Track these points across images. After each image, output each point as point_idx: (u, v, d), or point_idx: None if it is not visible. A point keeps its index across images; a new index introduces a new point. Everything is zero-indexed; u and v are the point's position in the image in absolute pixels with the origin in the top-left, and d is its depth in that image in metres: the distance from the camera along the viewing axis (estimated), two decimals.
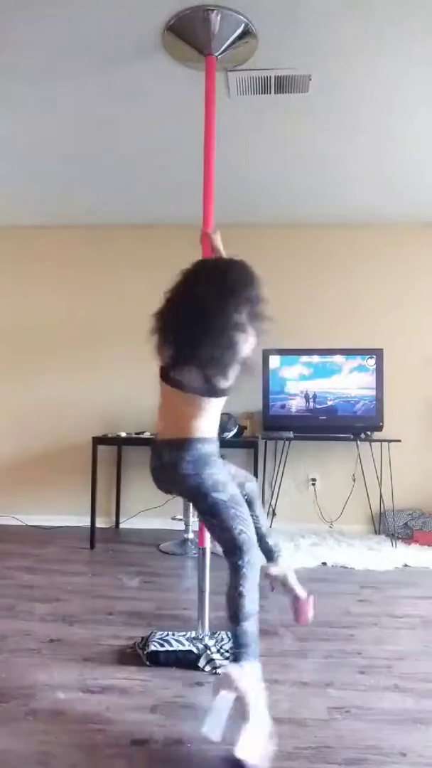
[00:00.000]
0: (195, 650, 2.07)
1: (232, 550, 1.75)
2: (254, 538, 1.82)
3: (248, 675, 1.58)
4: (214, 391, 1.82)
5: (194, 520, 3.77)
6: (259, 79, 2.62)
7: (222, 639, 2.16)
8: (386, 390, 4.08)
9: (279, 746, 1.59)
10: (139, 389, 4.45)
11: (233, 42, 2.34)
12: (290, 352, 4.11)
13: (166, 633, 2.18)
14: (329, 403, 4.11)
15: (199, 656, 2.05)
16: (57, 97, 2.80)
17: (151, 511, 4.34)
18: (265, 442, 4.19)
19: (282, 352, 4.12)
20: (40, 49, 2.44)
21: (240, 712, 1.54)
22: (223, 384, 1.81)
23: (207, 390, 1.81)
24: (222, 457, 1.98)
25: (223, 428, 3.73)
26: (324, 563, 3.48)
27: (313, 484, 4.36)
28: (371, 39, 2.35)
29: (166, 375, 1.92)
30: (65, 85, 2.69)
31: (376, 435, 4.06)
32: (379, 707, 1.82)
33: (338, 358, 4.14)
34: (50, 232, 4.63)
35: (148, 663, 2.05)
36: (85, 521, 3.92)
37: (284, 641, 2.25)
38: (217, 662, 2.02)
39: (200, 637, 2.17)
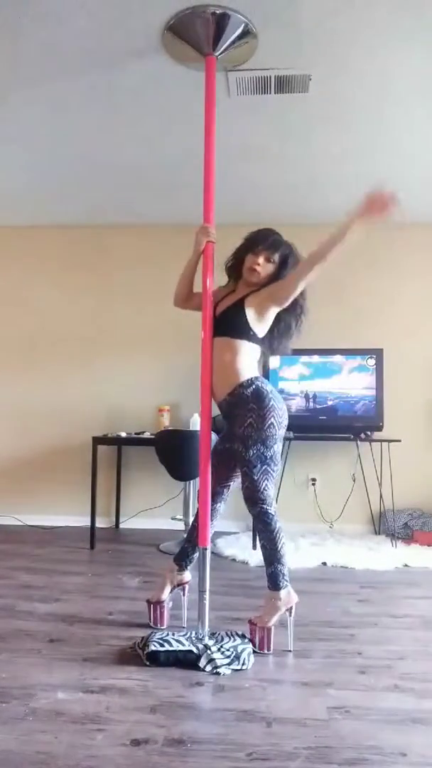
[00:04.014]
0: (195, 650, 2.06)
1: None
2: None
3: (286, 595, 2.26)
4: None
5: (192, 520, 3.77)
6: (259, 79, 2.62)
7: (222, 639, 2.16)
8: (386, 390, 4.08)
9: (279, 746, 1.59)
10: (139, 389, 4.48)
11: (233, 42, 2.34)
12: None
13: (166, 633, 2.18)
14: (329, 403, 4.11)
15: (199, 656, 2.05)
16: (57, 97, 2.80)
17: (151, 511, 4.35)
18: None
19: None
20: (39, 49, 2.44)
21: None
22: None
23: None
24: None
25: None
26: (324, 563, 3.48)
27: (313, 484, 4.36)
28: (371, 39, 2.35)
29: None
30: (65, 85, 2.69)
31: (376, 435, 4.06)
32: (379, 707, 1.82)
33: (338, 358, 4.14)
34: (50, 232, 4.63)
35: (148, 663, 2.05)
36: (85, 521, 3.92)
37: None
38: (218, 662, 2.02)
39: (200, 637, 2.17)
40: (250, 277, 2.37)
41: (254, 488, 2.23)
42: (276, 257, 2.34)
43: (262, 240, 2.37)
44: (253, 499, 2.24)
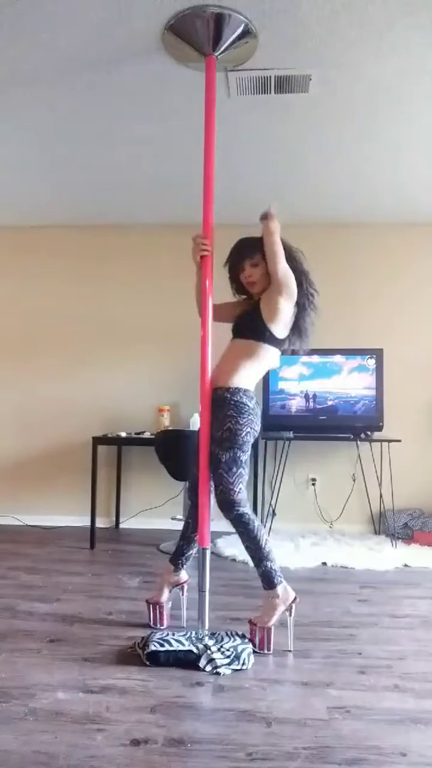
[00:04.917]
0: (195, 650, 2.07)
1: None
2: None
3: (283, 591, 2.26)
4: None
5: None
6: (259, 79, 2.62)
7: (222, 639, 2.16)
8: (386, 390, 4.08)
9: (279, 746, 1.59)
10: (139, 389, 4.48)
11: (233, 42, 2.34)
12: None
13: (166, 633, 2.18)
14: (329, 403, 4.11)
15: (199, 656, 2.05)
16: (57, 97, 2.80)
17: (151, 511, 4.35)
18: (265, 442, 4.19)
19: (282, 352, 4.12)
20: (39, 49, 2.43)
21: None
22: None
23: None
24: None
25: None
26: (324, 563, 3.48)
27: (313, 484, 4.36)
28: (371, 38, 2.35)
29: None
30: (65, 85, 2.69)
31: (376, 435, 4.06)
32: (379, 707, 1.82)
33: (338, 358, 4.14)
34: (49, 233, 4.63)
35: (148, 663, 2.05)
36: (85, 521, 3.92)
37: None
38: (218, 662, 2.02)
39: (200, 637, 2.17)
40: (253, 289, 2.45)
41: (229, 491, 2.25)
42: (257, 257, 2.39)
43: (236, 256, 2.47)
44: (229, 502, 2.26)
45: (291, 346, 2.48)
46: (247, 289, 2.48)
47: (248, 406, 2.30)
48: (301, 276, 2.39)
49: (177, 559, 2.48)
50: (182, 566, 2.49)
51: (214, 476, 2.29)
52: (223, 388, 2.32)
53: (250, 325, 2.36)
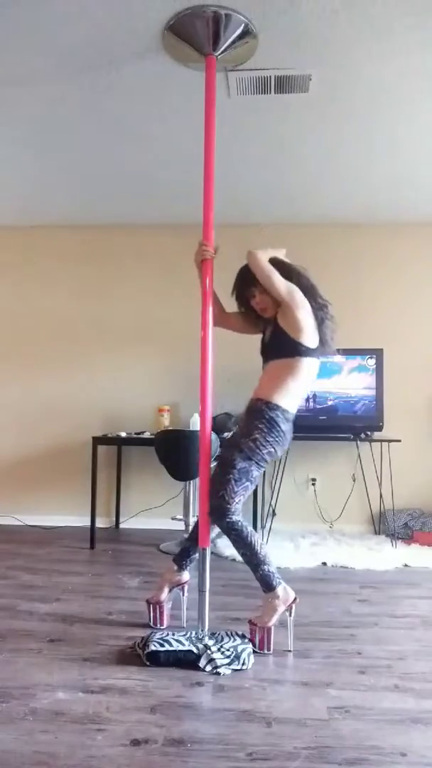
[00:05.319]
0: (195, 650, 2.07)
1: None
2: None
3: (283, 592, 2.26)
4: None
5: (194, 520, 3.77)
6: (259, 79, 2.62)
7: (222, 639, 2.16)
8: (386, 390, 4.08)
9: (279, 746, 1.59)
10: (139, 389, 4.48)
11: (233, 42, 2.34)
12: None
13: (166, 633, 2.18)
14: (329, 403, 4.10)
15: (199, 656, 2.05)
16: (57, 98, 2.80)
17: (151, 511, 4.35)
18: None
19: None
20: (39, 50, 2.43)
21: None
22: None
23: None
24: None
25: (222, 427, 3.73)
26: (324, 563, 3.48)
27: (313, 484, 4.36)
28: (372, 38, 2.35)
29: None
30: (65, 85, 2.69)
31: (376, 435, 4.06)
32: (379, 707, 1.82)
33: (338, 358, 4.13)
34: (49, 233, 4.63)
35: (148, 663, 2.05)
36: (85, 521, 3.92)
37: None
38: (218, 662, 2.02)
39: (200, 637, 2.17)
40: (266, 314, 2.44)
41: (228, 499, 2.23)
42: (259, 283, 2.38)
43: (242, 285, 2.46)
44: (223, 509, 2.24)
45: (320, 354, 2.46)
46: (262, 315, 2.46)
47: (280, 427, 2.28)
48: (307, 292, 2.36)
49: (182, 559, 2.48)
50: (186, 567, 2.49)
51: (220, 479, 2.26)
52: (262, 400, 2.30)
53: (279, 345, 2.34)
